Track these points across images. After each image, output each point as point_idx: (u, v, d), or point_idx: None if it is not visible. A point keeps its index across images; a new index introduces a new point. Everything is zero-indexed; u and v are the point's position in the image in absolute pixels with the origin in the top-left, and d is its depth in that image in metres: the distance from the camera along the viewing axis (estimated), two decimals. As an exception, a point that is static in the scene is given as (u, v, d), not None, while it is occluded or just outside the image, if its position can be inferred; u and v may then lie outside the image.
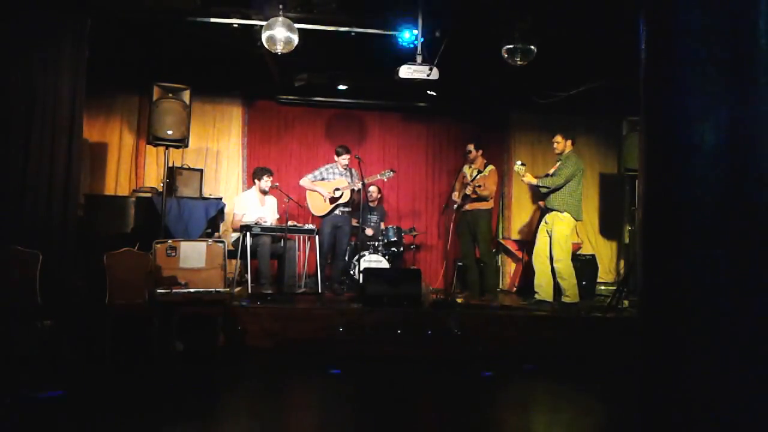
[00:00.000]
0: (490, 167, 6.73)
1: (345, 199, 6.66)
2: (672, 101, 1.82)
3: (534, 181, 6.18)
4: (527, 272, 7.69)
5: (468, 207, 6.58)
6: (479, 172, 6.62)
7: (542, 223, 6.27)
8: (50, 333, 4.54)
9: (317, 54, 6.29)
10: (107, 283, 4.79)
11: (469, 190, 6.49)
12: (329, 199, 6.66)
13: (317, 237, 6.47)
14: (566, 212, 6.01)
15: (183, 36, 5.93)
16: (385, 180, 6.86)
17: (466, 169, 6.77)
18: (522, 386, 4.63)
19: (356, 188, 6.71)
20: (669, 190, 1.81)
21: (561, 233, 6.03)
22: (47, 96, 5.18)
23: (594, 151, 8.31)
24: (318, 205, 6.74)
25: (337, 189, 6.66)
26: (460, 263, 7.14)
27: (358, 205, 6.99)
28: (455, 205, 6.69)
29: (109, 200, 6.67)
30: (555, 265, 6.03)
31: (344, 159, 6.79)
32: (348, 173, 6.78)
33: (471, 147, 6.72)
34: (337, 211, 6.71)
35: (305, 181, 6.84)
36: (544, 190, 6.13)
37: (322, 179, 6.79)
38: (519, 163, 6.28)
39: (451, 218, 6.94)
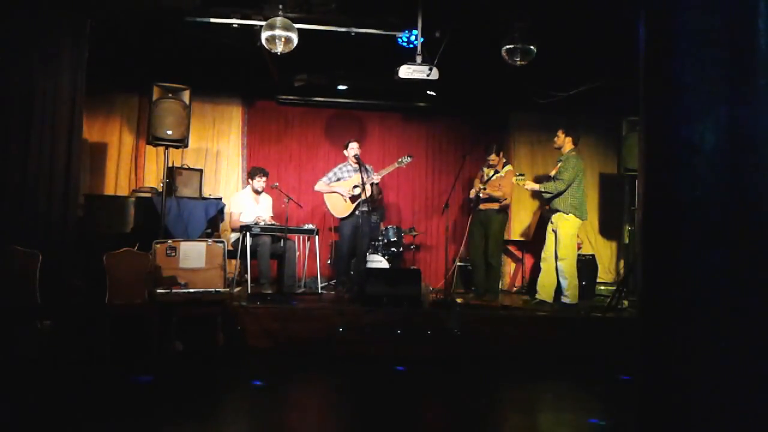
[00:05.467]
0: (508, 167, 6.69)
1: (365, 195, 6.44)
2: (672, 101, 1.82)
3: (536, 188, 6.20)
4: (527, 272, 7.71)
5: (482, 206, 6.56)
6: (496, 172, 6.59)
7: (548, 223, 6.30)
8: (50, 333, 4.55)
9: (317, 54, 6.29)
10: (107, 283, 4.79)
11: (477, 188, 6.47)
12: (350, 198, 6.54)
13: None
14: (570, 213, 6.04)
15: (183, 36, 5.93)
16: (404, 166, 6.69)
17: (484, 168, 6.73)
18: (522, 386, 4.63)
19: (375, 181, 6.58)
20: (669, 190, 1.80)
21: (566, 232, 6.07)
22: (47, 96, 5.18)
23: (594, 151, 8.31)
24: (339, 207, 6.61)
25: (356, 186, 6.49)
26: (461, 263, 7.13)
27: (375, 202, 6.89)
28: (471, 204, 6.67)
29: (109, 200, 6.66)
30: (559, 263, 6.07)
31: (352, 150, 6.64)
32: (361, 169, 6.50)
33: (493, 155, 6.63)
34: (356, 212, 6.55)
35: (320, 186, 6.71)
36: (547, 195, 6.16)
37: (338, 179, 6.67)
38: (518, 174, 6.30)
39: (468, 217, 6.85)
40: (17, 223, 4.90)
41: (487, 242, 6.61)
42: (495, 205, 6.52)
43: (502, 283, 7.98)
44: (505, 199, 6.58)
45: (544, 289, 6.16)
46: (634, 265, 5.95)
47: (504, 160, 6.75)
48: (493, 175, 6.55)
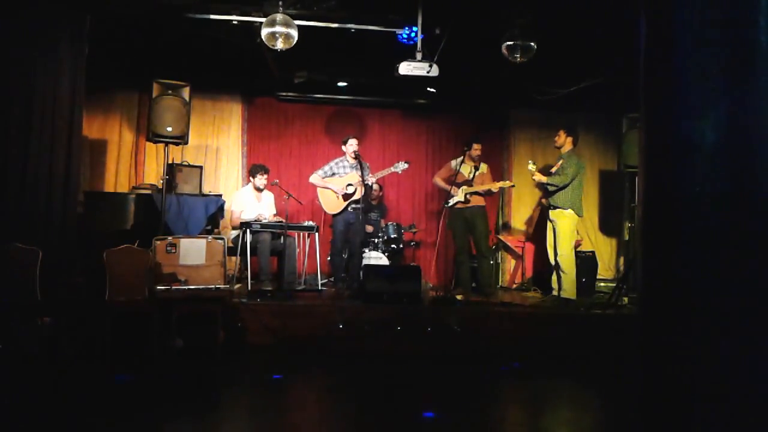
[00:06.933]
0: (485, 165, 6.82)
1: (359, 195, 6.42)
2: (672, 98, 1.82)
3: (544, 179, 6.24)
4: (527, 269, 7.71)
5: (462, 205, 6.61)
6: (476, 169, 6.66)
7: (548, 222, 6.35)
8: (50, 330, 4.55)
9: (317, 51, 6.28)
10: (107, 280, 4.80)
11: (483, 189, 6.55)
12: (342, 195, 6.49)
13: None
14: (569, 209, 6.11)
15: (183, 33, 5.92)
16: (400, 172, 6.64)
17: (463, 168, 6.71)
18: (522, 383, 4.64)
19: (370, 183, 6.55)
20: (669, 188, 1.80)
21: (565, 228, 6.13)
22: (47, 93, 5.17)
23: (594, 148, 8.30)
24: (331, 203, 6.55)
25: (350, 185, 6.45)
26: (460, 259, 7.15)
27: (368, 202, 6.90)
28: (454, 203, 6.64)
29: (109, 197, 6.66)
30: (558, 259, 6.12)
31: (351, 146, 6.56)
32: (358, 166, 6.48)
33: (479, 147, 6.71)
34: (348, 208, 6.52)
35: (315, 178, 6.63)
36: (552, 188, 6.19)
37: (333, 174, 6.60)
38: (531, 162, 6.38)
39: (441, 216, 6.88)
40: (17, 221, 4.90)
41: (472, 240, 6.70)
42: (479, 201, 6.63)
43: (502, 279, 7.99)
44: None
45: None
46: (634, 262, 5.96)
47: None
48: (476, 173, 6.63)
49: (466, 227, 6.66)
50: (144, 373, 4.39)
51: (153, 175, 7.42)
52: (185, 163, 6.78)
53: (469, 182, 6.60)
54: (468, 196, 6.54)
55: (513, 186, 6.98)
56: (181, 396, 3.92)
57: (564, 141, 6.32)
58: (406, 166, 6.59)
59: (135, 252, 5.06)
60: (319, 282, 6.40)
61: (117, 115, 7.55)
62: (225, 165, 7.95)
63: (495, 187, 6.67)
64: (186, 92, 6.05)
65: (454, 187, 6.62)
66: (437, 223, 8.28)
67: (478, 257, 6.81)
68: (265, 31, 5.29)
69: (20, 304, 4.44)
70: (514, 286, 7.70)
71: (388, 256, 6.94)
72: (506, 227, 8.32)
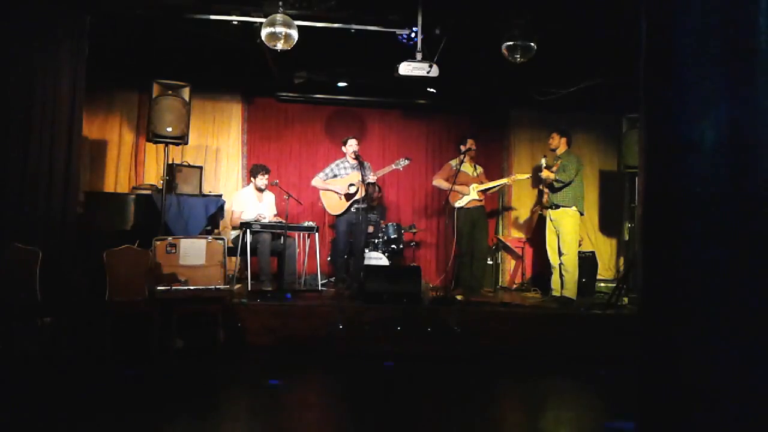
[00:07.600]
0: (478, 165, 7.01)
1: (361, 194, 6.47)
2: (672, 98, 1.82)
3: (552, 176, 6.27)
4: (527, 269, 7.71)
5: (471, 204, 6.69)
6: (475, 168, 6.85)
7: (548, 221, 6.36)
8: (50, 330, 4.55)
9: (317, 51, 6.28)
10: (107, 281, 4.79)
11: (498, 183, 6.87)
12: (344, 195, 6.54)
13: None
14: (574, 206, 6.16)
15: (182, 33, 5.92)
16: (401, 169, 6.67)
17: (465, 168, 6.75)
18: (521, 383, 4.64)
19: (371, 181, 6.60)
20: (669, 188, 1.80)
21: (569, 227, 6.17)
22: (47, 93, 5.17)
23: (594, 148, 8.30)
24: (334, 204, 6.61)
25: (352, 184, 6.51)
26: (464, 260, 7.19)
27: (371, 201, 6.93)
28: (467, 201, 6.68)
29: (109, 197, 6.66)
30: (561, 259, 6.15)
31: (351, 146, 6.64)
32: (359, 167, 6.53)
33: (472, 143, 6.81)
34: (351, 209, 6.57)
35: (317, 181, 6.71)
36: (558, 185, 6.21)
37: (335, 176, 6.66)
38: (545, 158, 6.49)
39: (450, 216, 6.88)
40: (17, 221, 4.90)
41: (476, 239, 6.77)
42: (482, 202, 6.80)
43: (502, 279, 7.99)
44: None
45: (558, 286, 6.29)
46: (634, 262, 5.97)
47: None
48: (478, 171, 6.81)
49: (471, 227, 6.72)
50: (144, 374, 4.39)
51: (153, 175, 7.43)
52: (185, 164, 6.78)
53: (475, 180, 6.69)
54: (479, 193, 6.63)
55: (529, 177, 7.17)
56: (181, 396, 3.92)
57: (558, 142, 6.39)
58: (407, 162, 6.66)
59: (135, 252, 5.06)
60: (319, 282, 6.41)
61: (117, 115, 7.55)
62: (225, 165, 7.95)
63: (509, 180, 7.00)
64: (186, 92, 6.05)
65: (462, 186, 6.64)
66: (437, 223, 8.30)
67: (476, 256, 6.82)
68: (265, 32, 5.28)
69: (20, 304, 4.44)
70: (514, 286, 7.70)
71: (388, 257, 6.94)
72: (506, 227, 8.32)
